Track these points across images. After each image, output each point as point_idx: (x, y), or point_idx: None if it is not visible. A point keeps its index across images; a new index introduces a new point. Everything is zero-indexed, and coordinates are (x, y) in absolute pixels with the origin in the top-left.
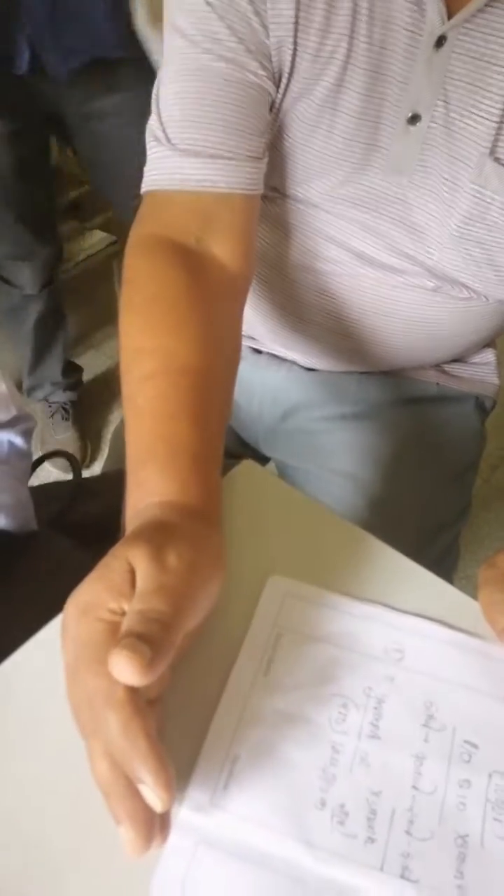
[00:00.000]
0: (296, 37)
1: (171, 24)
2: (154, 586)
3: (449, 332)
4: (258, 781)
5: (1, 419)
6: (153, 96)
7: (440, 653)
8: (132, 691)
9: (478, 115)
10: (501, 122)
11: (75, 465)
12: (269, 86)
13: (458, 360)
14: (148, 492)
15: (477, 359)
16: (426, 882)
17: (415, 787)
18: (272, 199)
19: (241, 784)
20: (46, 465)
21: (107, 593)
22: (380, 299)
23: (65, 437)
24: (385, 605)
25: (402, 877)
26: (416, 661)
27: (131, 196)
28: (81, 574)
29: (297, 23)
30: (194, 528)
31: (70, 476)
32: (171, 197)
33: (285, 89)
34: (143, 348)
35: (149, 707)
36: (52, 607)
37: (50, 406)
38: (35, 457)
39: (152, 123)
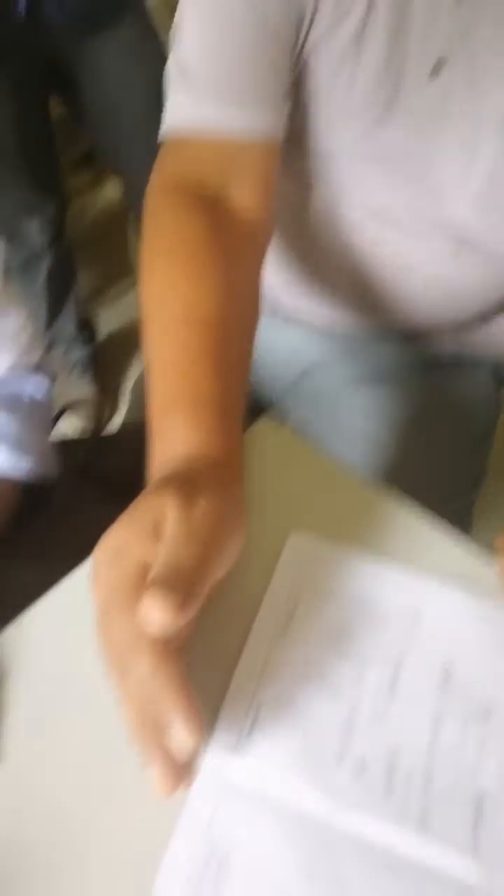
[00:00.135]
0: None
1: None
2: (184, 533)
3: (469, 292)
4: (280, 730)
5: (30, 361)
6: (171, 34)
7: (458, 613)
8: (161, 636)
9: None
10: None
11: (97, 415)
12: (292, 25)
13: (477, 324)
14: (171, 442)
15: (496, 324)
16: (443, 835)
17: (432, 745)
18: (294, 153)
19: (264, 731)
20: (67, 420)
21: (136, 539)
22: (399, 255)
23: (83, 393)
24: (404, 563)
25: (420, 829)
26: (434, 622)
27: (134, 150)
28: (107, 523)
29: None
30: (219, 480)
31: (90, 433)
32: (190, 141)
33: (307, 31)
34: (165, 298)
35: (176, 653)
36: (80, 553)
37: (67, 362)
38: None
39: (171, 63)
